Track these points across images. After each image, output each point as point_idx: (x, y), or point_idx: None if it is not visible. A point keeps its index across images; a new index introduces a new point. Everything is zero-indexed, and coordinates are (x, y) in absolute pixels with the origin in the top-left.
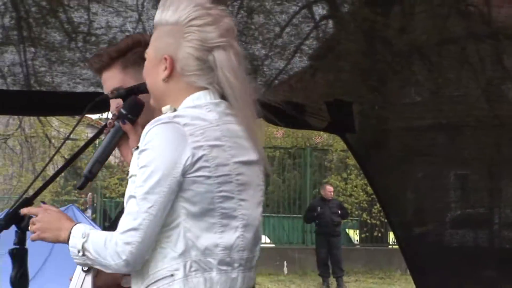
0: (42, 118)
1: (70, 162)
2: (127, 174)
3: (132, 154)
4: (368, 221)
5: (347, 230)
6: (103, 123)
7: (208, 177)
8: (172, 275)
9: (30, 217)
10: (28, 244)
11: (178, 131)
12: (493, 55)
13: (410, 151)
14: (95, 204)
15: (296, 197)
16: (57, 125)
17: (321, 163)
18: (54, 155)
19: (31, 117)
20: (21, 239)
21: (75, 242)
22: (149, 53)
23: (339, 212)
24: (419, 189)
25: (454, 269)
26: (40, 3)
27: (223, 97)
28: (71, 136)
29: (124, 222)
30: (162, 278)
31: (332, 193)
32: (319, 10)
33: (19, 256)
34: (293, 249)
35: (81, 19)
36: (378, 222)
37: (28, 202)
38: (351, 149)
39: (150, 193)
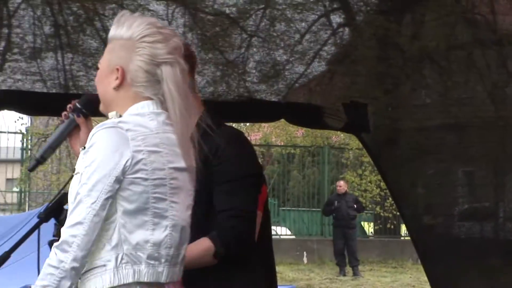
0: None
1: None
2: None
3: (80, 145)
4: (382, 214)
5: (362, 223)
6: None
7: (145, 179)
8: (104, 265)
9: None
10: None
11: (121, 135)
12: (498, 60)
13: (421, 149)
14: None
15: (315, 192)
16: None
17: (338, 160)
18: None
19: None
20: (59, 231)
21: None
22: (102, 63)
23: (355, 206)
24: (429, 185)
25: (462, 259)
26: (77, 12)
27: (165, 108)
28: None
29: (71, 217)
30: (96, 267)
31: (341, 188)
32: (337, 19)
33: None
34: (312, 240)
35: None
36: (391, 215)
37: (66, 196)
38: (366, 147)
39: (93, 190)
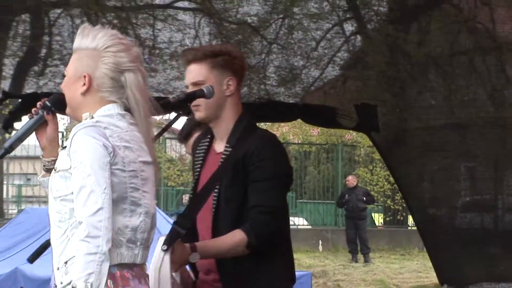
0: None
1: None
2: (187, 166)
3: (46, 139)
4: (392, 206)
5: (373, 214)
6: (164, 123)
7: (123, 171)
8: None
9: None
10: None
11: (100, 132)
12: (497, 65)
13: (426, 146)
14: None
15: (329, 186)
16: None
17: (351, 157)
18: None
19: None
20: None
21: None
22: (69, 71)
23: (364, 199)
24: (434, 179)
25: (464, 247)
26: (112, 22)
27: (127, 109)
28: None
29: (88, 207)
30: None
31: (350, 182)
32: (349, 27)
33: None
34: (326, 230)
35: (147, 35)
36: (400, 208)
37: None
38: (376, 145)
39: (99, 178)
